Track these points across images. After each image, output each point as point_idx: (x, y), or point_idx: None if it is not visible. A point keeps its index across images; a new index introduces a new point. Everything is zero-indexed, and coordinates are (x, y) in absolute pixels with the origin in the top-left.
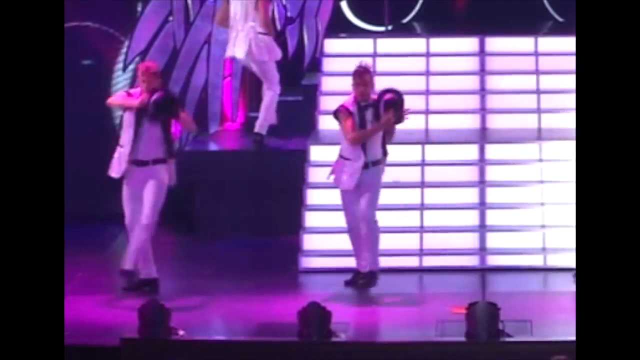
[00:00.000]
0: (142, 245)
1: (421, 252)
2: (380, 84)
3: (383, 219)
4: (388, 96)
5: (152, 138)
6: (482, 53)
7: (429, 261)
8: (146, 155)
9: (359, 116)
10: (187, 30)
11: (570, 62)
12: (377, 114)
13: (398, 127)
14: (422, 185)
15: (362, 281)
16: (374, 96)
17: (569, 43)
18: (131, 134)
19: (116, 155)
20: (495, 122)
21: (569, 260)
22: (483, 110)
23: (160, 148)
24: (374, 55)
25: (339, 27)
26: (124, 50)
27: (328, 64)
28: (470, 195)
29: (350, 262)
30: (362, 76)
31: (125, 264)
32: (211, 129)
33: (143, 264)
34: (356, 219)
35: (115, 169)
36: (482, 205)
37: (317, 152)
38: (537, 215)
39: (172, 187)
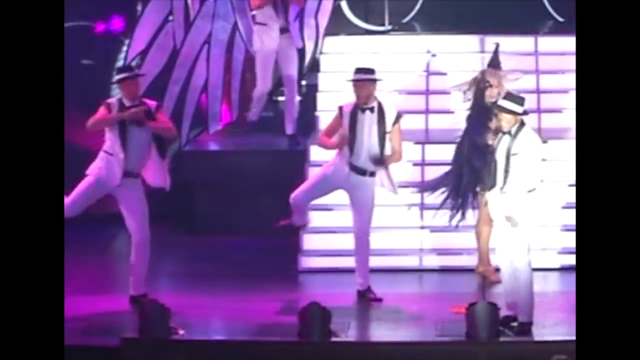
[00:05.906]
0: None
1: (421, 252)
2: (381, 83)
3: (383, 218)
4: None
5: (140, 147)
6: (482, 52)
7: (429, 261)
8: (136, 166)
9: (350, 119)
10: (187, 30)
11: (570, 62)
12: (380, 118)
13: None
14: (422, 185)
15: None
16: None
17: (569, 43)
18: (119, 142)
19: (102, 162)
20: None
21: (570, 260)
22: None
23: (146, 158)
24: (374, 54)
25: (339, 26)
26: (124, 50)
27: (327, 63)
28: None
29: (350, 262)
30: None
31: (136, 289)
32: (211, 129)
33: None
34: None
35: (111, 178)
36: None
37: (317, 152)
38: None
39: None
